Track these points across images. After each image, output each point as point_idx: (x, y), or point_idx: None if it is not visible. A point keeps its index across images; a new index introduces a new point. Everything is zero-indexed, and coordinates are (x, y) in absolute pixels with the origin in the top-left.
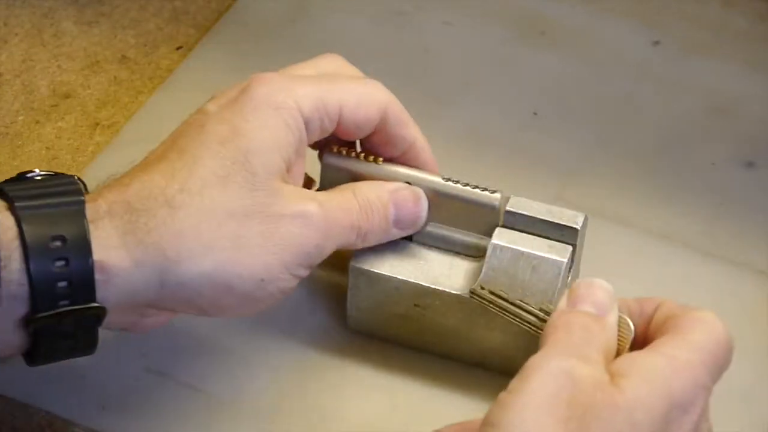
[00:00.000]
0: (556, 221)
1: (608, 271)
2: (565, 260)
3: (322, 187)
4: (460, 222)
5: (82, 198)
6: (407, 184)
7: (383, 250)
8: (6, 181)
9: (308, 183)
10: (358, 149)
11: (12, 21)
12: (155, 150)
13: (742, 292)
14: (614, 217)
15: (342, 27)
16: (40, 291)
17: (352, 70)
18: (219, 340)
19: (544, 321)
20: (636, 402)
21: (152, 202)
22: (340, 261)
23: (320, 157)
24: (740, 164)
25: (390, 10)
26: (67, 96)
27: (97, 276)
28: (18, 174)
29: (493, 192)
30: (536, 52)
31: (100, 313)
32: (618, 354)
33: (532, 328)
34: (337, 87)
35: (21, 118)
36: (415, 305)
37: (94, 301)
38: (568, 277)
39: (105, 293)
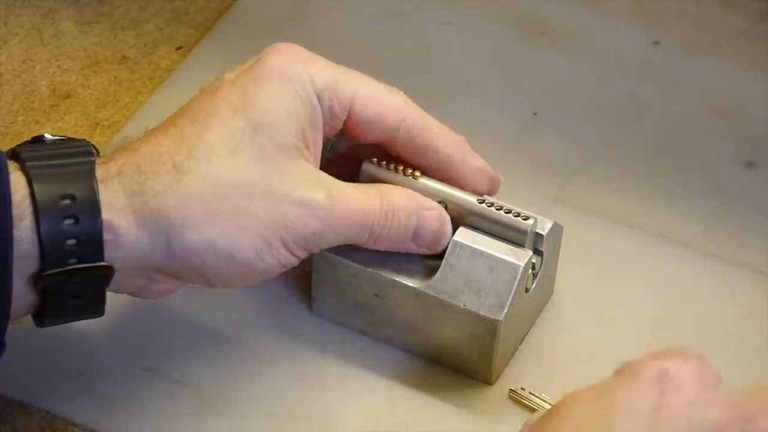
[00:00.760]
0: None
1: (608, 271)
2: (522, 264)
3: None
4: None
5: (93, 159)
6: (439, 205)
7: None
8: (20, 144)
9: None
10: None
11: (12, 21)
12: (170, 116)
13: (742, 292)
14: (614, 217)
15: (342, 27)
16: (49, 248)
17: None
18: (217, 339)
19: None
20: None
21: (161, 166)
22: None
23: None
24: (740, 164)
25: (390, 10)
26: (67, 96)
27: (106, 236)
28: (32, 138)
29: (526, 218)
30: (536, 52)
31: (108, 273)
32: None
33: None
34: (354, 77)
35: (21, 118)
36: (375, 295)
37: (102, 260)
38: (531, 282)
39: (113, 253)
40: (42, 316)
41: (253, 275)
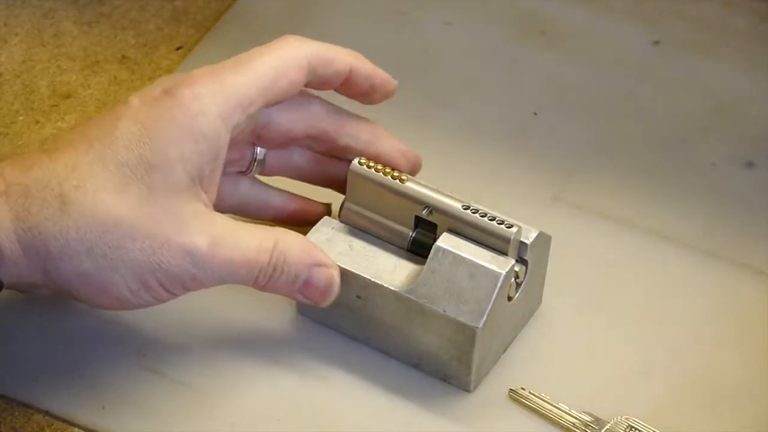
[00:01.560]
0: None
1: (608, 272)
2: (503, 272)
3: (351, 195)
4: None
5: None
6: (334, 263)
7: (335, 239)
8: None
9: (322, 210)
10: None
11: (12, 21)
12: (74, 131)
13: (742, 292)
14: (614, 217)
15: (342, 27)
16: None
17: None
18: (218, 340)
19: (586, 424)
20: None
21: (48, 192)
22: None
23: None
24: (740, 164)
25: (390, 10)
26: (67, 96)
27: None
28: None
29: (510, 226)
30: (536, 52)
31: None
32: None
33: (574, 430)
34: (251, 72)
35: (21, 118)
36: (357, 296)
37: None
38: (514, 291)
39: None
40: None
41: (128, 305)
